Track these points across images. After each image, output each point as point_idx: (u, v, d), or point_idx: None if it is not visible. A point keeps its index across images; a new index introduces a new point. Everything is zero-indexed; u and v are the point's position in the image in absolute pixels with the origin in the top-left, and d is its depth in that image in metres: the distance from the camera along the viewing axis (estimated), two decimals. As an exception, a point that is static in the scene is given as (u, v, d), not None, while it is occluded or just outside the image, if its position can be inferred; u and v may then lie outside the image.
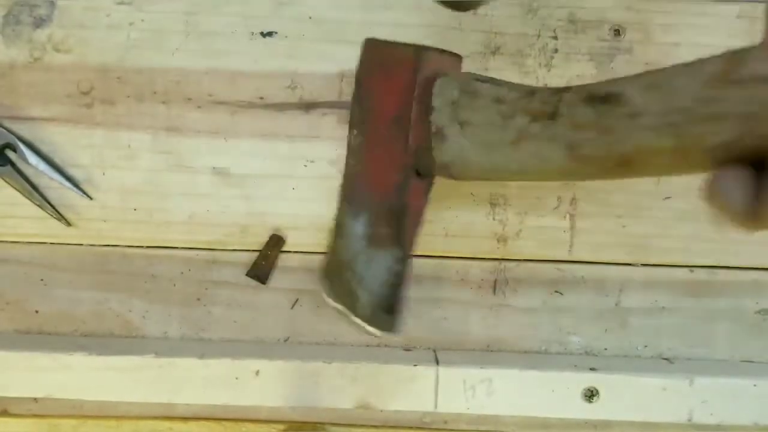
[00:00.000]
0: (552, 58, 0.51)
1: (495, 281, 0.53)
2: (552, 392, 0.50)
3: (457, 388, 0.50)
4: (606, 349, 0.54)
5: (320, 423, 0.53)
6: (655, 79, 0.29)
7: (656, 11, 0.51)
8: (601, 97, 0.30)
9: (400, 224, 0.38)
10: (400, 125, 0.37)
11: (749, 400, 0.50)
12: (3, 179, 0.51)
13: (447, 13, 0.49)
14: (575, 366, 0.51)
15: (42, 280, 0.52)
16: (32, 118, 0.51)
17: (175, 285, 0.52)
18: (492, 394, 0.50)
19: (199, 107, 0.51)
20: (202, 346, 0.51)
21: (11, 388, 0.50)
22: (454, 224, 0.52)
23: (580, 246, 0.52)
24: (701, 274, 0.53)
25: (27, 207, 0.51)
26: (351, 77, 0.50)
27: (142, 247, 0.52)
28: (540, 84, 0.51)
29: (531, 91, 0.34)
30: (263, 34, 0.50)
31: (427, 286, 0.53)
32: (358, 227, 0.38)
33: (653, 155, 0.29)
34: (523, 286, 0.53)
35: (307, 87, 0.51)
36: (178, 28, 0.50)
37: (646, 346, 0.54)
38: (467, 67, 0.50)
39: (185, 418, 0.52)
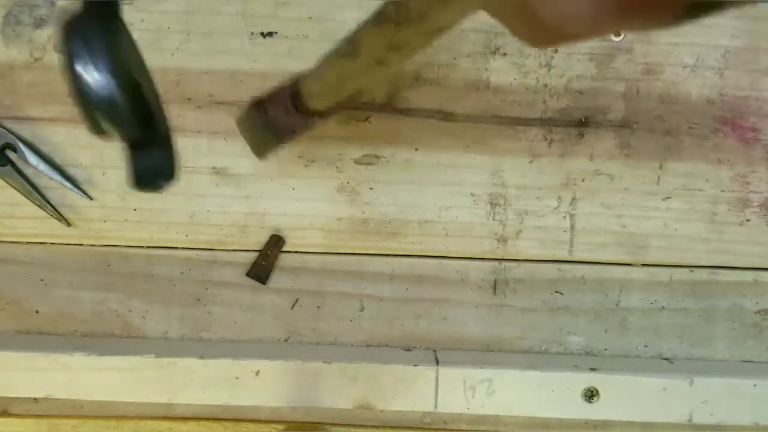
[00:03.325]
0: (552, 58, 0.51)
1: (495, 281, 0.53)
2: (552, 392, 0.50)
3: (457, 388, 0.50)
4: (606, 349, 0.54)
5: (320, 423, 0.53)
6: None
7: (656, 11, 0.51)
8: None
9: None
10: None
11: (749, 400, 0.50)
12: (3, 179, 0.51)
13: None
14: (575, 366, 0.51)
15: (42, 280, 0.52)
16: (32, 118, 0.51)
17: (175, 285, 0.52)
18: (492, 394, 0.50)
19: (199, 107, 0.51)
20: (202, 346, 0.51)
21: (11, 388, 0.50)
22: (454, 224, 0.52)
23: (580, 246, 0.52)
24: (701, 274, 0.53)
25: (27, 207, 0.51)
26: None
27: (142, 247, 0.52)
28: (540, 85, 0.51)
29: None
30: (263, 34, 0.50)
31: (427, 286, 0.53)
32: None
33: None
34: (523, 286, 0.53)
35: (307, 87, 0.51)
36: (178, 28, 0.50)
37: (646, 346, 0.54)
38: (467, 66, 0.51)
39: (185, 418, 0.52)
